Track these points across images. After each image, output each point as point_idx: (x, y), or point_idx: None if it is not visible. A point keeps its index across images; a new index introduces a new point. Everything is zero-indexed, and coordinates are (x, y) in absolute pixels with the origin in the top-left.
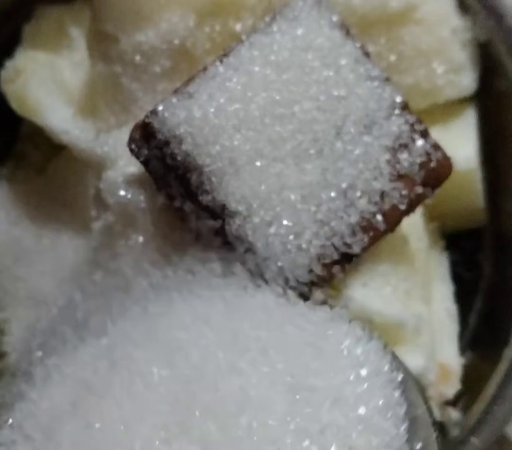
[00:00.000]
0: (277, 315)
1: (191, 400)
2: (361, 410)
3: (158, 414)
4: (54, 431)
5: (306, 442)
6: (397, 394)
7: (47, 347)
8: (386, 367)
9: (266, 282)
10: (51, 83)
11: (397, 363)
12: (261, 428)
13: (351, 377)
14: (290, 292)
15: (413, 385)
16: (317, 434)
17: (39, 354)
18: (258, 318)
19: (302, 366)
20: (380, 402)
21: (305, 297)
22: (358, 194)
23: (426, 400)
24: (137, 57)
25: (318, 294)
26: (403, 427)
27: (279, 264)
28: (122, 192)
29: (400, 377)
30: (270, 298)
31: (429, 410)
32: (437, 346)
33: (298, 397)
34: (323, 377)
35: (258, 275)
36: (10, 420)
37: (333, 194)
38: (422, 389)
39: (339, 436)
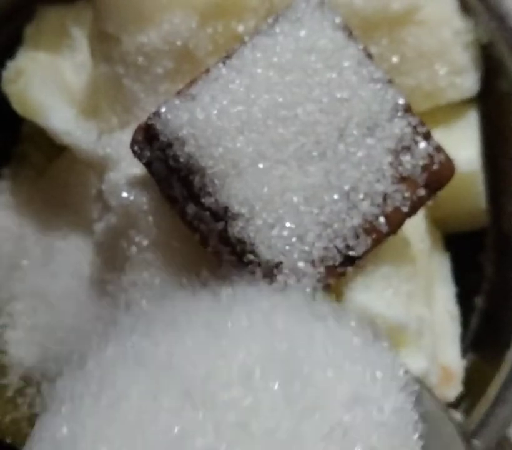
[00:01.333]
0: (291, 317)
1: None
2: (379, 413)
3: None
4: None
5: (332, 447)
6: (412, 399)
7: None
8: (401, 372)
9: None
10: (53, 84)
11: (411, 374)
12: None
13: (367, 378)
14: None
15: (430, 395)
16: (340, 437)
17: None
18: (271, 322)
19: (319, 366)
20: (396, 406)
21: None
22: (361, 196)
23: (448, 413)
24: (139, 58)
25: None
26: (417, 434)
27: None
28: (124, 194)
29: (416, 385)
30: (282, 300)
31: (454, 422)
32: (439, 348)
33: (316, 398)
34: (340, 377)
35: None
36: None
37: (335, 196)
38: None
39: (362, 439)
